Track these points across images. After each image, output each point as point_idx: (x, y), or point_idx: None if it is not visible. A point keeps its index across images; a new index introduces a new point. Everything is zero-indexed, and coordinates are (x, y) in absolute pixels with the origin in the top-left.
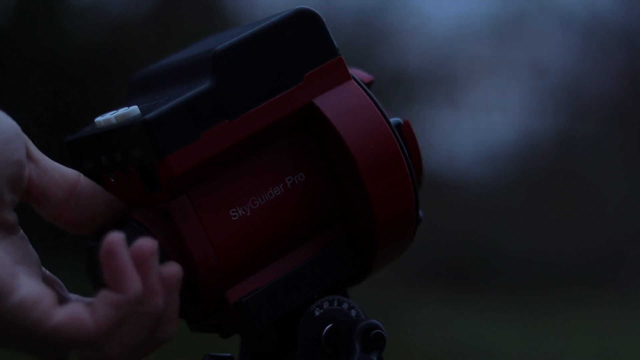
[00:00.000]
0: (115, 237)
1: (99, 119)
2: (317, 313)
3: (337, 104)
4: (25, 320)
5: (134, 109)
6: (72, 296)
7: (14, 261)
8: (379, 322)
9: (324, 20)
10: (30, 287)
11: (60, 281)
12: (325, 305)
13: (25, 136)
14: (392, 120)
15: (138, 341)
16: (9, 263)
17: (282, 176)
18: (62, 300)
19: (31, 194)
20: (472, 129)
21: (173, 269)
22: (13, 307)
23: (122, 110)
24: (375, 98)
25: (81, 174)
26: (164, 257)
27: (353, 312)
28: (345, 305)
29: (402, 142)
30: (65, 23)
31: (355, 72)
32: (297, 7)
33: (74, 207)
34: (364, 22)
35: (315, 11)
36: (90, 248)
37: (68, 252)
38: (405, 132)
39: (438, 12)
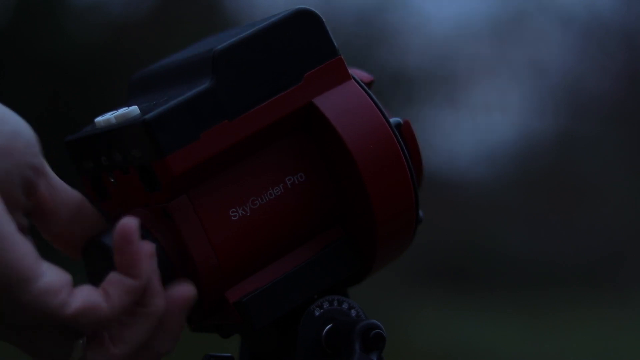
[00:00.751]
0: (132, 223)
1: (99, 119)
2: (317, 313)
3: (337, 104)
4: (46, 307)
5: (134, 109)
6: None
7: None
8: (379, 322)
9: (324, 20)
10: (52, 274)
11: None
12: (325, 305)
13: (39, 145)
14: (392, 120)
15: (140, 343)
16: (33, 250)
17: (282, 176)
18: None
19: (40, 210)
20: (472, 129)
21: (185, 289)
22: (37, 293)
23: (122, 110)
24: (375, 98)
25: (84, 197)
26: (164, 258)
27: (353, 312)
28: (345, 305)
29: (402, 142)
30: (65, 23)
31: (355, 72)
32: (297, 7)
33: (76, 229)
34: (364, 22)
35: (315, 11)
36: (92, 245)
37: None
38: (405, 132)
39: (438, 12)
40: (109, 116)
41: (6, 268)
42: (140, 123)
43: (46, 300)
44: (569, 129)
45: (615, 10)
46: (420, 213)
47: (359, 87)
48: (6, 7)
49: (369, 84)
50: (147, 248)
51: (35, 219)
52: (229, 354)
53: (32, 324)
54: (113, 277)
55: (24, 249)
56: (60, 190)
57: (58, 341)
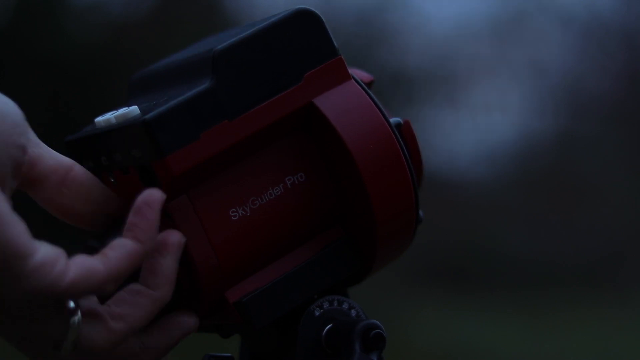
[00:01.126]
0: (158, 193)
1: (99, 119)
2: (317, 313)
3: (337, 104)
4: (43, 281)
5: (134, 109)
6: None
7: None
8: (379, 322)
9: (324, 20)
10: (47, 248)
11: None
12: (325, 305)
13: (26, 122)
14: (392, 120)
15: (139, 324)
16: (26, 229)
17: (282, 176)
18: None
19: (27, 177)
20: (472, 129)
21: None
22: (34, 268)
23: (122, 110)
24: (375, 98)
25: (75, 162)
26: None
27: (353, 312)
28: (345, 305)
29: (402, 142)
30: (65, 23)
31: (355, 72)
32: (297, 7)
33: (66, 193)
34: (364, 22)
35: (315, 11)
36: (90, 247)
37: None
38: (405, 132)
39: (438, 12)
40: (109, 116)
41: (3, 246)
42: (140, 123)
43: (44, 273)
44: (569, 129)
45: (615, 10)
46: (420, 213)
47: (359, 87)
48: (6, 7)
49: (369, 84)
50: (176, 236)
51: (25, 187)
52: (229, 354)
53: (28, 302)
54: (116, 241)
55: (18, 227)
56: (47, 157)
57: (49, 326)
